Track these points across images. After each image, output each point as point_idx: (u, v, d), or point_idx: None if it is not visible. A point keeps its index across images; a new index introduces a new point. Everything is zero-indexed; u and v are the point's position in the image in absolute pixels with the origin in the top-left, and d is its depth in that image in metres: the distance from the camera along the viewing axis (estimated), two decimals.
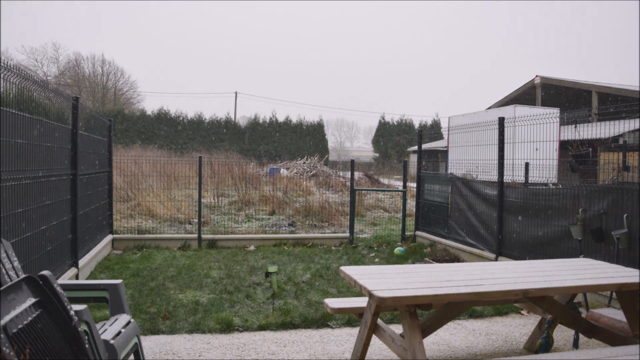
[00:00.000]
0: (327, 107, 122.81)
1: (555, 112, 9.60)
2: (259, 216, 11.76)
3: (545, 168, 7.00)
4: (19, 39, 79.36)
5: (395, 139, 43.82)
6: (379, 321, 3.51)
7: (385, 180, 23.31)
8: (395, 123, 45.02)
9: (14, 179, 4.00)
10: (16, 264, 2.73)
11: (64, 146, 5.48)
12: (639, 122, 13.30)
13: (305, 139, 41.40)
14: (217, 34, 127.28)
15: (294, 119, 41.90)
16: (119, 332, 2.94)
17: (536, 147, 6.75)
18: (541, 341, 3.86)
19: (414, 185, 9.95)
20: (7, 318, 1.86)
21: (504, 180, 6.80)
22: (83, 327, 2.41)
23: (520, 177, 6.82)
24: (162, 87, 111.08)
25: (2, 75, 3.76)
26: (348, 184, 14.72)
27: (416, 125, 45.07)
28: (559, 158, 10.58)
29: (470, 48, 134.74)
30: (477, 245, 7.40)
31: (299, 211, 11.66)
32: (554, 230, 5.86)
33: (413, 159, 32.56)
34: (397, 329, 4.46)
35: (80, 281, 5.47)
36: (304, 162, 26.38)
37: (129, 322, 3.16)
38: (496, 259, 6.76)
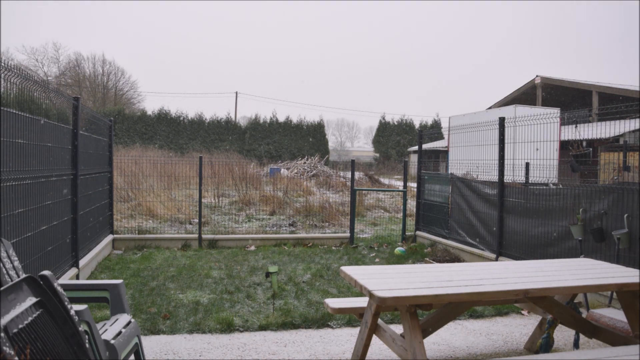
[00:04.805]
0: (328, 107, 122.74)
1: (555, 112, 9.59)
2: (259, 216, 11.76)
3: (545, 168, 6.99)
4: (19, 39, 79.49)
5: (396, 139, 43.82)
6: (380, 321, 3.51)
7: (385, 180, 23.31)
8: (396, 123, 45.01)
9: (14, 179, 4.00)
10: (17, 263, 2.73)
11: (64, 146, 5.49)
12: (639, 122, 13.30)
13: (306, 139, 41.40)
14: (218, 33, 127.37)
15: (295, 119, 41.93)
16: (120, 332, 2.94)
17: (537, 147, 6.75)
18: (541, 341, 3.86)
19: (415, 185, 9.95)
20: (7, 318, 1.86)
21: (505, 180, 6.80)
22: (83, 327, 2.41)
23: (520, 177, 6.82)
24: (163, 87, 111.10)
25: (2, 75, 3.76)
26: (348, 184, 14.73)
27: (416, 125, 45.07)
28: (560, 158, 10.57)
29: (471, 48, 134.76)
30: (478, 246, 7.40)
31: (300, 211, 11.67)
32: (554, 230, 5.86)
33: (413, 159, 32.56)
34: (398, 329, 4.46)
35: (81, 281, 5.47)
36: (305, 162, 26.39)
37: (129, 322, 3.16)
38: (496, 259, 6.76)
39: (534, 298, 3.45)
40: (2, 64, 3.71)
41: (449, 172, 8.71)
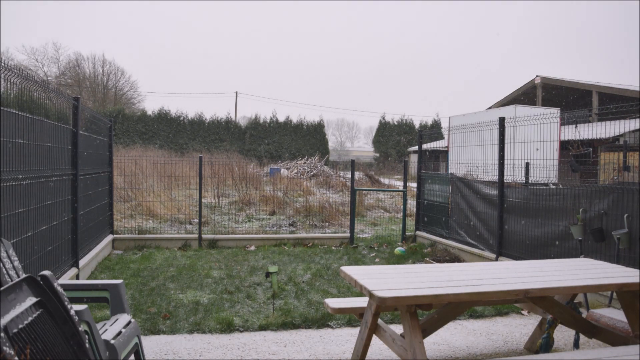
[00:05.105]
0: (328, 107, 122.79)
1: (555, 112, 9.59)
2: (259, 216, 11.76)
3: (545, 168, 6.99)
4: (19, 39, 79.49)
5: (396, 139, 43.82)
6: (380, 321, 3.51)
7: (385, 180, 23.30)
8: (396, 123, 44.99)
9: (14, 179, 4.00)
10: (17, 263, 2.73)
11: (64, 146, 5.49)
12: (639, 122, 13.30)
13: (306, 139, 41.37)
14: (218, 34, 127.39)
15: (295, 119, 41.88)
16: (120, 332, 2.94)
17: (537, 147, 6.75)
18: (541, 341, 3.86)
19: (415, 185, 9.95)
20: (7, 318, 1.86)
21: (505, 180, 6.80)
22: (83, 327, 2.41)
23: (520, 177, 6.82)
24: (163, 87, 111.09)
25: (2, 75, 3.76)
26: (348, 184, 14.73)
27: (417, 125, 45.04)
28: (560, 158, 10.57)
29: (471, 48, 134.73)
30: (478, 246, 7.40)
31: (300, 211, 11.66)
32: (554, 230, 5.86)
33: (413, 159, 32.55)
34: (398, 329, 4.46)
35: (81, 281, 5.47)
36: (305, 162, 26.40)
37: (129, 322, 3.17)
38: (496, 259, 6.76)
39: (534, 298, 3.45)
40: (2, 64, 3.71)
41: (449, 172, 8.71)
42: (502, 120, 6.88)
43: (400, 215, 12.13)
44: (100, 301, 3.41)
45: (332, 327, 4.66)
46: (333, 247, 8.79)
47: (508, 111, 12.69)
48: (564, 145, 11.56)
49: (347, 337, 4.40)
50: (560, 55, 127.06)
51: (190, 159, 17.93)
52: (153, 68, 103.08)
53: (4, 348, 1.69)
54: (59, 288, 2.24)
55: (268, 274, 5.54)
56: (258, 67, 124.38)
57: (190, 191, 11.76)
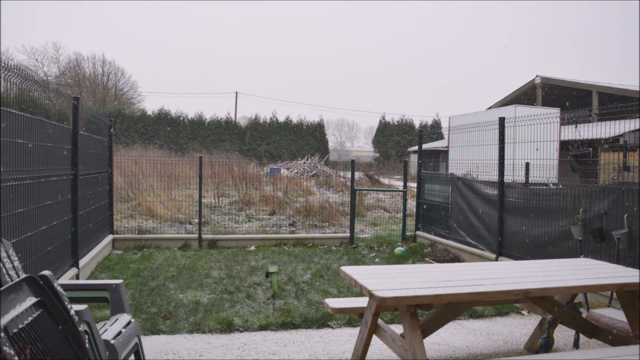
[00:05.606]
0: (328, 107, 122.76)
1: (555, 112, 9.59)
2: (259, 216, 11.76)
3: (545, 168, 6.99)
4: (19, 38, 79.52)
5: (396, 139, 43.82)
6: (380, 321, 3.51)
7: (385, 180, 23.30)
8: (396, 123, 45.00)
9: (14, 179, 4.00)
10: (17, 263, 2.73)
11: (64, 146, 5.49)
12: (639, 122, 13.29)
13: (306, 139, 41.38)
14: (218, 34, 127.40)
15: (295, 119, 41.90)
16: (120, 332, 2.94)
17: (537, 147, 6.74)
18: (542, 341, 3.86)
19: (415, 185, 9.95)
20: (7, 318, 1.86)
21: (505, 180, 6.80)
22: (83, 327, 2.41)
23: (520, 177, 6.82)
24: (163, 87, 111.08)
25: (2, 75, 3.76)
26: (348, 184, 14.73)
27: (417, 125, 45.05)
28: (560, 158, 10.56)
29: (470, 48, 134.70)
30: (478, 245, 7.40)
31: (300, 211, 11.66)
32: (554, 230, 5.86)
33: (413, 159, 32.55)
34: (398, 329, 4.46)
35: (81, 281, 5.47)
36: (305, 162, 26.40)
37: (129, 322, 3.17)
38: (496, 259, 6.76)
39: (534, 298, 3.45)
40: (2, 64, 3.71)
41: (449, 172, 8.71)
42: (502, 120, 6.88)
43: (400, 215, 12.13)
44: (100, 301, 3.41)
45: (332, 327, 4.66)
46: (333, 247, 8.79)
47: (508, 111, 12.68)
48: (564, 145, 11.56)
49: (347, 337, 4.40)
50: (560, 56, 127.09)
51: (190, 159, 17.92)
52: (153, 68, 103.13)
53: (4, 348, 1.69)
54: (59, 288, 2.24)
55: (268, 274, 5.54)
56: (258, 67, 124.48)
57: (190, 191, 11.76)
